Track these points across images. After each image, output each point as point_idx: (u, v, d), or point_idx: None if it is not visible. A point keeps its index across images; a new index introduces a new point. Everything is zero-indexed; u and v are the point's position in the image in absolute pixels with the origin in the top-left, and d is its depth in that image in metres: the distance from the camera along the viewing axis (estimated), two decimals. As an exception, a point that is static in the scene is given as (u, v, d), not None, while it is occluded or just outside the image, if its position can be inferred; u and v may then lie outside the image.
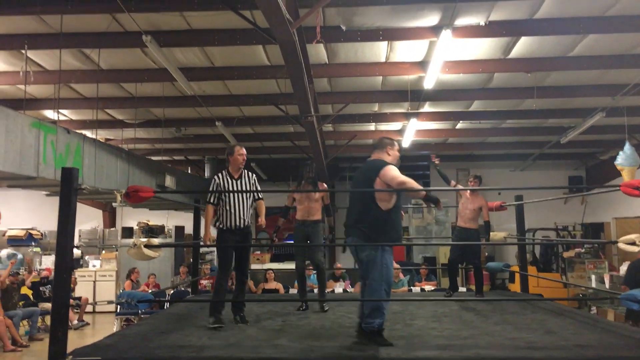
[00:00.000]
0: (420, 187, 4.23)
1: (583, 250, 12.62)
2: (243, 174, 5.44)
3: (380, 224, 4.23)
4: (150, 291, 10.63)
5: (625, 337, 4.53)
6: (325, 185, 6.62)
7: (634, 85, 8.76)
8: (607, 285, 9.80)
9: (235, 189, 5.35)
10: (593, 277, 10.94)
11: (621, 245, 4.34)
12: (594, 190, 14.54)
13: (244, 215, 5.30)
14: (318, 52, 7.98)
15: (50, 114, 10.59)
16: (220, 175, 5.41)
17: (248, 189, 5.41)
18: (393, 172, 4.24)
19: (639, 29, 7.05)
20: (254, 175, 5.55)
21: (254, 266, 11.93)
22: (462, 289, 10.08)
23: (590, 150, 14.86)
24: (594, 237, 14.85)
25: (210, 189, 5.40)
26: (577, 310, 6.65)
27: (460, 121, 11.90)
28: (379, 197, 4.25)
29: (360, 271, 4.46)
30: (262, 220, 5.46)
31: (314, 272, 11.32)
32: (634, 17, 6.88)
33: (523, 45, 7.83)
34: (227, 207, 5.26)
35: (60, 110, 10.29)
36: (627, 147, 9.83)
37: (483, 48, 7.96)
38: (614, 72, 8.79)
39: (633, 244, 4.24)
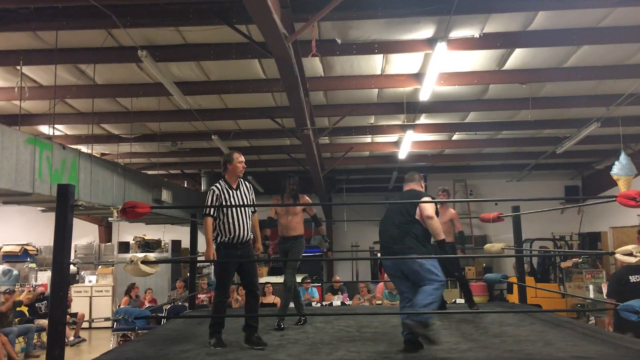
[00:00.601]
0: (441, 234, 4.61)
1: (580, 260, 12.64)
2: (241, 184, 5.13)
3: (422, 237, 4.68)
4: (147, 306, 10.56)
5: (625, 347, 4.50)
6: (307, 198, 6.35)
7: (628, 96, 8.81)
8: (604, 295, 9.78)
9: (235, 199, 4.97)
10: (591, 287, 10.95)
11: (618, 257, 4.32)
12: (590, 201, 14.56)
13: (246, 228, 4.99)
14: (314, 65, 8.01)
15: (45, 129, 10.59)
16: (218, 185, 5.00)
17: (248, 198, 5.10)
18: (428, 204, 4.70)
19: (632, 40, 7.13)
20: (251, 185, 5.29)
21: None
22: (461, 301, 10.03)
23: (586, 160, 14.90)
24: (591, 247, 14.86)
25: (210, 200, 4.92)
26: (575, 321, 6.62)
27: (456, 132, 11.94)
28: (419, 215, 4.69)
29: (399, 285, 4.81)
30: (258, 246, 5.29)
31: (312, 285, 11.31)
32: (627, 28, 6.95)
33: (517, 57, 7.88)
34: (230, 219, 4.88)
35: (55, 126, 10.28)
36: (623, 157, 9.89)
37: (478, 60, 8.01)
38: (608, 82, 8.84)
39: (630, 254, 4.21)
